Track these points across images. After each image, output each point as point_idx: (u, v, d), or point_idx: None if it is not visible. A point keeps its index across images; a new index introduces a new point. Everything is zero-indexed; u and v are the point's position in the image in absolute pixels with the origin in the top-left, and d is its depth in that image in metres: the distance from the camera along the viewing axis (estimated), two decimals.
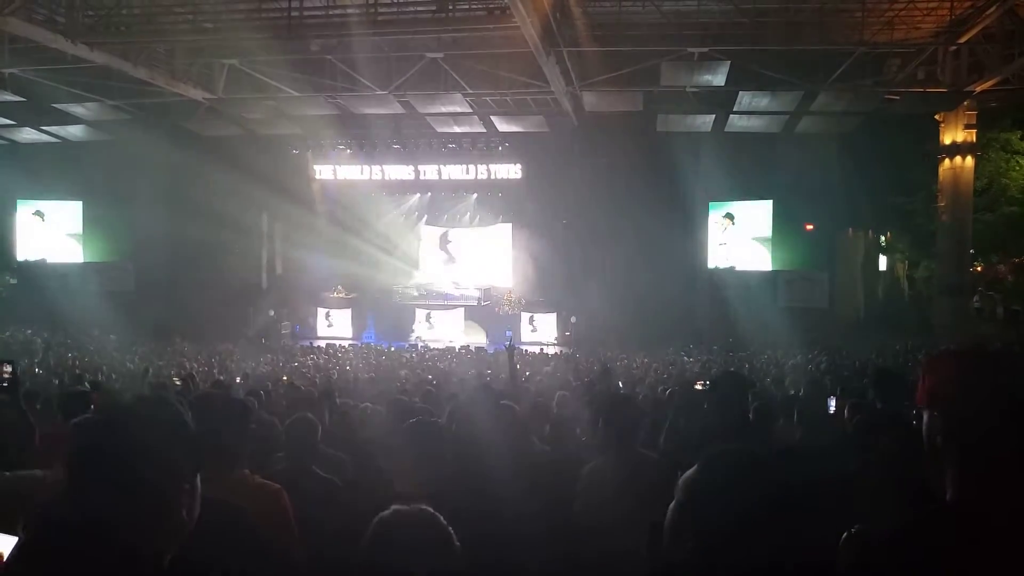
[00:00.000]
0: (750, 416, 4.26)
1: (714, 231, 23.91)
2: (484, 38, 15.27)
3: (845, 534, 1.95)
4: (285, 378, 13.74)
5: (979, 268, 21.22)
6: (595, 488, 3.27)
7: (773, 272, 22.79)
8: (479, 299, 26.53)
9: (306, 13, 15.40)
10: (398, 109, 19.82)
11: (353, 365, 18.55)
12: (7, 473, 2.18)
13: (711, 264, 23.67)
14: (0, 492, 2.07)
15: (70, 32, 14.21)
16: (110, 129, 21.75)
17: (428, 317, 26.43)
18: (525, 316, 25.77)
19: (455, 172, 25.26)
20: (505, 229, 26.75)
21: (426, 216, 27.34)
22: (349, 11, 14.72)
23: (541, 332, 25.51)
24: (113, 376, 13.32)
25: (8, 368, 4.52)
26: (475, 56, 16.56)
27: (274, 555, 2.34)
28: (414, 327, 26.29)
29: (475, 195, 26.34)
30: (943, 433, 1.44)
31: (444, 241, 27.62)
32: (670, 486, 2.41)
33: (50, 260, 24.71)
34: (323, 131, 22.88)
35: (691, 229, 23.09)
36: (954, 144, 18.58)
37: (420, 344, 24.47)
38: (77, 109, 20.09)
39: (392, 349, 22.67)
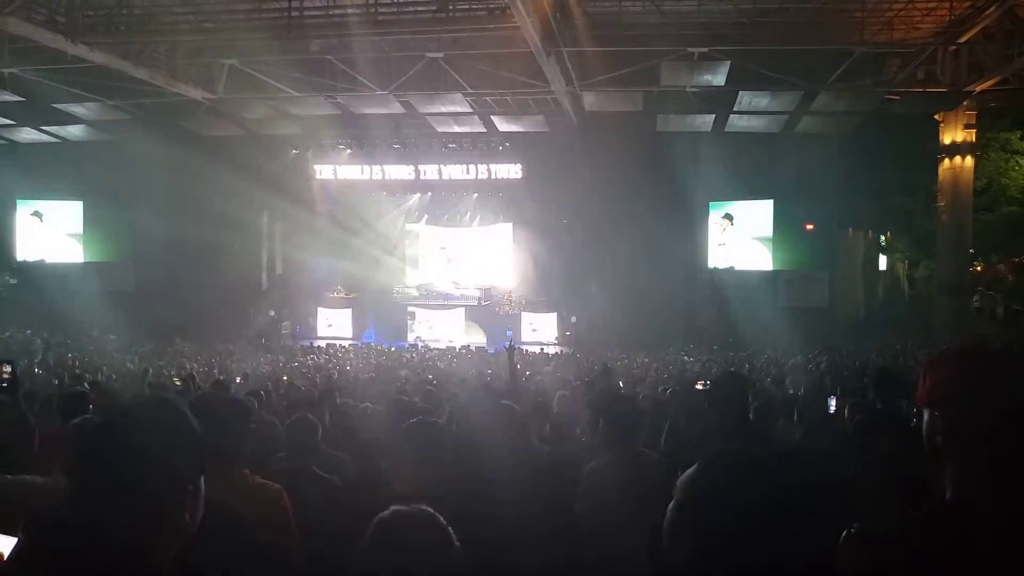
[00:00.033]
0: (750, 416, 4.26)
1: (714, 231, 23.91)
2: (484, 38, 15.27)
3: (844, 533, 1.95)
4: (285, 378, 13.75)
5: (979, 268, 21.21)
6: (596, 488, 3.27)
7: (773, 272, 22.79)
8: (479, 299, 26.53)
9: (306, 13, 15.39)
10: (398, 109, 19.82)
11: (353, 365, 18.55)
12: (8, 476, 2.17)
13: (711, 264, 23.67)
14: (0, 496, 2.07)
15: (70, 32, 14.21)
16: (110, 129, 21.75)
17: (428, 317, 26.44)
18: (525, 316, 25.77)
19: (455, 172, 25.26)
20: (505, 229, 26.76)
21: (426, 216, 27.34)
22: (349, 11, 14.71)
23: (541, 332, 25.51)
24: (113, 376, 13.32)
25: (8, 368, 4.52)
26: (475, 56, 16.57)
27: (274, 556, 2.34)
28: (414, 327, 26.29)
29: (475, 195, 26.34)
30: (943, 433, 1.44)
31: (444, 241, 27.63)
32: (671, 486, 2.41)
33: (49, 260, 24.70)
34: (323, 131, 22.89)
35: (691, 229, 23.10)
36: (954, 144, 18.59)
37: (420, 344, 24.48)
38: (77, 109, 20.09)
39: (392, 349, 22.68)
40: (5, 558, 1.54)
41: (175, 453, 1.42)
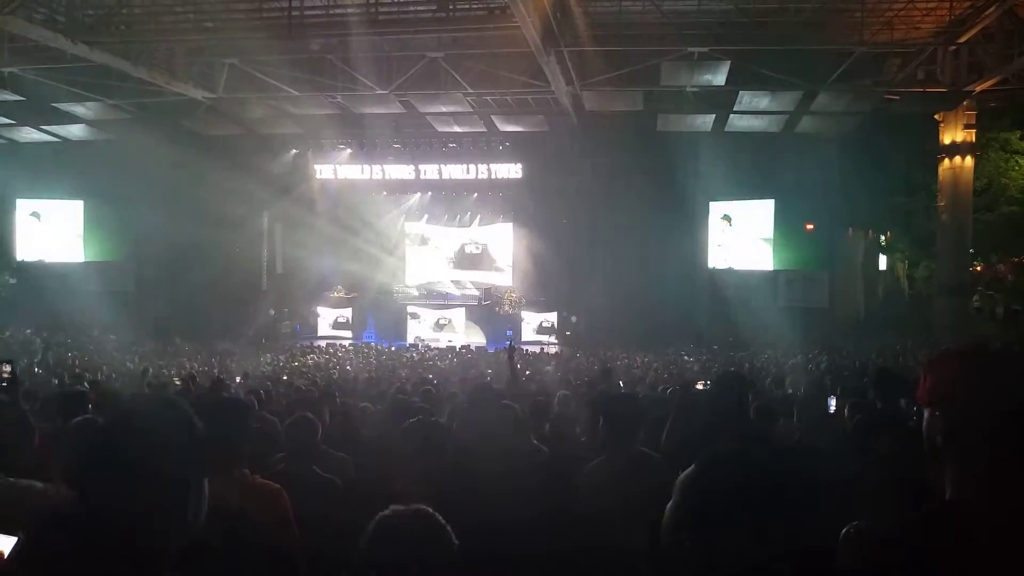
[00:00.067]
0: (750, 416, 4.26)
1: (714, 231, 23.91)
2: (484, 38, 15.27)
3: (843, 532, 1.95)
4: (285, 377, 13.77)
5: (979, 268, 21.20)
6: (596, 488, 3.27)
7: (773, 272, 22.79)
8: (479, 299, 26.54)
9: (306, 12, 15.39)
10: (399, 109, 19.82)
11: (353, 365, 18.58)
12: (10, 479, 2.17)
13: (711, 264, 23.67)
14: (1, 499, 2.07)
15: (70, 31, 14.21)
16: (110, 128, 21.73)
17: (428, 317, 26.45)
18: (525, 316, 25.78)
19: (456, 172, 25.26)
20: (506, 228, 26.76)
21: (426, 216, 27.35)
22: (349, 11, 14.71)
23: (541, 332, 25.51)
24: (113, 376, 13.33)
25: (8, 368, 4.52)
26: (475, 56, 16.56)
27: (274, 555, 2.34)
28: (414, 326, 26.30)
29: (476, 195, 26.34)
30: (943, 433, 1.44)
31: (444, 241, 27.63)
32: (670, 486, 2.41)
33: (49, 260, 24.69)
34: (323, 131, 22.89)
35: (691, 229, 23.08)
36: (954, 144, 18.58)
37: (420, 344, 24.49)
38: (77, 108, 20.08)
39: (392, 349, 22.71)
40: (5, 556, 1.54)
41: (178, 453, 1.43)
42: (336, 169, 25.64)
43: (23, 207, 25.22)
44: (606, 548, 2.67)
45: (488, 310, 26.29)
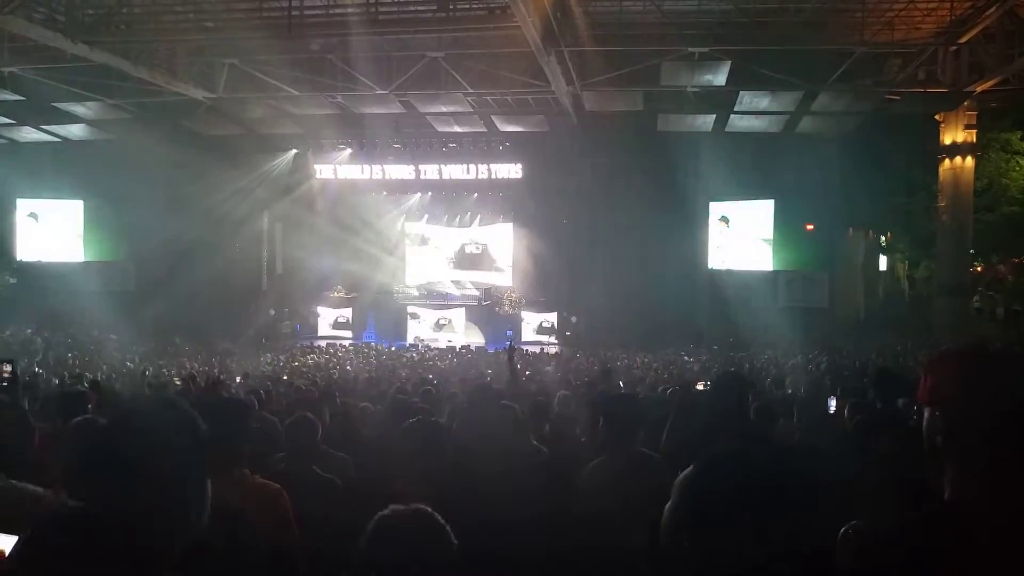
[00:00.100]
0: (750, 416, 4.26)
1: (714, 231, 23.92)
2: (485, 37, 15.27)
3: (842, 532, 1.95)
4: (285, 377, 13.78)
5: (979, 268, 21.21)
6: (596, 488, 3.27)
7: (773, 272, 22.79)
8: (479, 299, 26.54)
9: (307, 12, 15.38)
10: (399, 108, 19.82)
11: (353, 365, 18.59)
12: (12, 482, 2.17)
13: (711, 264, 23.67)
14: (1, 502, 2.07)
15: (70, 31, 14.20)
16: (110, 128, 21.74)
17: (428, 317, 26.45)
18: (525, 316, 25.78)
19: (456, 172, 25.25)
20: (506, 229, 26.77)
21: (426, 216, 27.35)
22: (350, 10, 14.71)
23: (541, 332, 25.51)
24: (113, 376, 13.34)
25: (8, 367, 4.52)
26: (476, 56, 16.57)
27: (274, 555, 2.34)
28: (414, 326, 26.31)
29: (476, 195, 26.35)
30: (943, 433, 1.44)
31: (444, 241, 27.64)
32: (671, 486, 2.41)
33: (48, 260, 24.69)
34: (323, 131, 22.90)
35: (691, 229, 23.08)
36: (954, 144, 18.58)
37: (420, 344, 24.49)
38: (77, 108, 20.08)
39: (392, 349, 22.72)
40: (6, 555, 1.54)
41: (182, 454, 1.43)
42: (336, 169, 25.64)
43: (23, 207, 25.22)
44: (606, 548, 2.67)
45: (488, 310, 26.29)
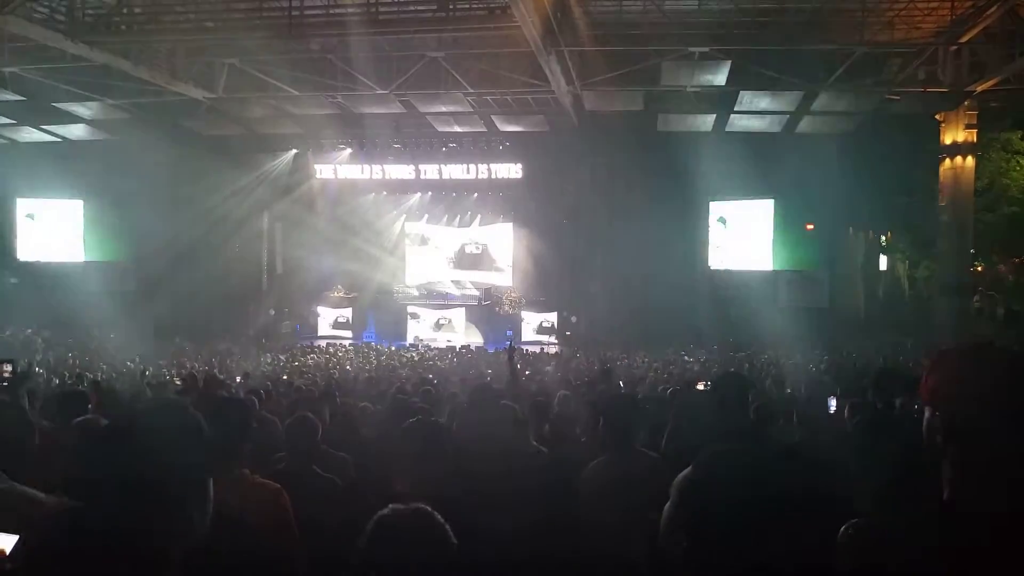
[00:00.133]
0: (751, 416, 4.26)
1: (714, 231, 23.92)
2: (485, 37, 15.26)
3: (842, 531, 1.95)
4: (285, 377, 13.78)
5: (979, 268, 21.21)
6: (595, 488, 3.27)
7: (773, 272, 22.79)
8: (479, 299, 26.54)
9: (307, 12, 15.37)
10: (399, 108, 19.81)
11: (353, 365, 18.59)
12: (14, 484, 2.17)
13: (711, 264, 23.67)
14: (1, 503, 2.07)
15: (70, 31, 14.20)
16: (111, 128, 21.73)
17: (428, 317, 26.46)
18: (525, 316, 25.78)
19: (456, 172, 25.26)
20: (506, 229, 26.77)
21: (426, 216, 27.36)
22: (350, 10, 14.70)
23: (541, 332, 25.51)
24: (113, 376, 13.34)
25: (8, 367, 4.52)
26: (476, 55, 16.56)
27: (274, 555, 2.34)
28: (414, 326, 26.31)
29: (476, 195, 26.35)
30: (943, 432, 1.43)
31: (444, 241, 27.64)
32: (670, 487, 2.41)
33: (47, 260, 24.69)
34: (323, 130, 22.90)
35: (691, 229, 23.08)
36: (955, 144, 18.56)
37: (420, 344, 24.50)
38: (78, 108, 20.07)
39: (392, 348, 22.72)
40: (7, 555, 1.54)
41: (188, 456, 1.43)
42: (336, 169, 25.64)
43: (23, 207, 25.22)
44: (605, 548, 2.67)
45: (488, 310, 26.30)
